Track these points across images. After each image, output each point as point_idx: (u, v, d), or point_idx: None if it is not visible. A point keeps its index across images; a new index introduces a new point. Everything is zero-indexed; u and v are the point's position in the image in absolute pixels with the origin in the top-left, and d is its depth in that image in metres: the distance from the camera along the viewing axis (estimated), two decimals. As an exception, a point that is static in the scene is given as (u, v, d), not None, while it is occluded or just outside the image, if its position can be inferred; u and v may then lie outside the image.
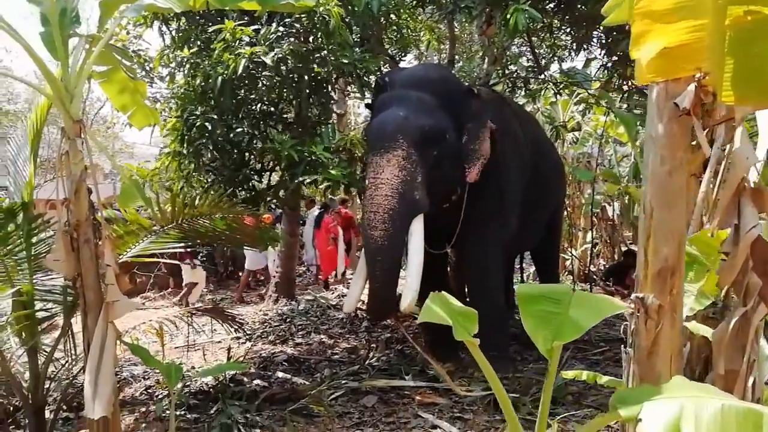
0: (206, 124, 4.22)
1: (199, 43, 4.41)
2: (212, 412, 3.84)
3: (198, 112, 4.28)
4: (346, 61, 4.14)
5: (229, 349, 4.77)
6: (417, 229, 4.13)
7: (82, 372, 4.33)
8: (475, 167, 4.34)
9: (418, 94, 4.25)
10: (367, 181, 4.06)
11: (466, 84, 4.48)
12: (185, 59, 4.34)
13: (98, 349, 2.69)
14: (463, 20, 6.23)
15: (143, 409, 4.07)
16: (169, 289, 8.99)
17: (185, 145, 4.36)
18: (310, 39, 4.16)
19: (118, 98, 3.68)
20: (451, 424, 3.69)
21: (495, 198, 4.69)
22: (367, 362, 4.86)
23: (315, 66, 4.18)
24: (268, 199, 4.26)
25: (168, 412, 3.01)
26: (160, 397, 4.43)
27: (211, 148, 4.34)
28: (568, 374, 3.21)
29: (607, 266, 8.44)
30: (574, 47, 6.79)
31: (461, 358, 4.99)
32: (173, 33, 4.81)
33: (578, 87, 7.13)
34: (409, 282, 4.09)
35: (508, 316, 5.34)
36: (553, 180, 5.83)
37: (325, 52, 4.13)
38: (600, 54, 6.68)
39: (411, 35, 6.22)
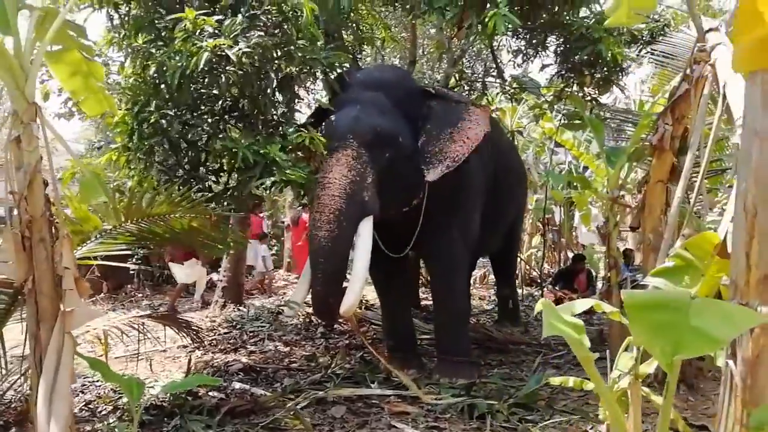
0: (161, 120, 3.88)
1: (154, 31, 4.05)
2: (169, 428, 3.51)
3: (152, 107, 3.93)
4: (314, 57, 3.91)
5: (189, 360, 4.42)
6: (365, 232, 4.03)
7: (11, 388, 3.93)
8: (435, 168, 4.23)
9: (372, 95, 4.16)
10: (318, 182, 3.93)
11: (423, 85, 4.40)
12: (137, 48, 3.97)
13: (54, 363, 2.36)
14: (433, 21, 6.15)
15: (88, 428, 3.67)
16: (102, 294, 8.38)
17: (136, 141, 3.99)
18: (277, 33, 3.91)
19: (69, 81, 3.31)
20: (428, 434, 3.55)
21: (457, 202, 4.63)
22: (329, 371, 4.64)
23: (281, 62, 3.93)
24: (226, 203, 3.96)
25: (129, 430, 2.69)
26: (103, 413, 4.04)
27: (166, 146, 3.99)
28: (556, 380, 3.16)
29: (556, 271, 8.60)
30: (530, 53, 6.87)
31: (423, 363, 4.89)
32: (123, 18, 4.41)
33: (531, 93, 7.21)
34: (351, 285, 3.98)
35: (468, 321, 5.28)
36: (515, 185, 5.84)
37: (293, 47, 3.89)
38: (555, 61, 6.77)
39: (367, 33, 6.05)
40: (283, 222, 11.87)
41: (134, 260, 8.46)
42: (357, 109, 4.04)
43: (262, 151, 3.52)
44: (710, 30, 3.59)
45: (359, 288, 4.02)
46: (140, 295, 8.75)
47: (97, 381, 4.70)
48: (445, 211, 4.56)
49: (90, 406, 4.19)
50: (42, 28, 2.65)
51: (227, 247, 4.11)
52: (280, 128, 4.01)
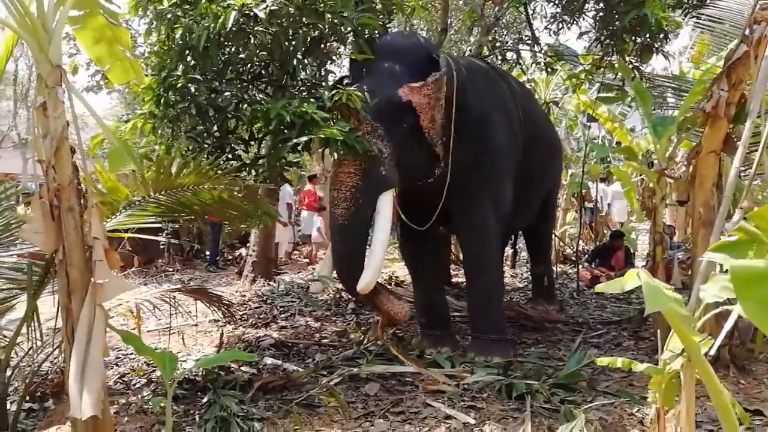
0: (189, 85, 3.76)
1: (180, -7, 3.91)
2: (203, 403, 3.47)
3: (179, 72, 3.81)
4: (344, 16, 3.74)
5: (222, 335, 4.37)
6: (384, 206, 3.93)
7: (48, 360, 3.93)
8: (449, 138, 4.12)
9: (387, 65, 4.03)
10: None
11: (429, 51, 4.22)
12: (164, 11, 3.84)
13: (85, 336, 2.29)
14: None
15: (122, 401, 3.65)
16: (134, 268, 8.44)
17: (162, 108, 3.89)
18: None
19: (93, 48, 3.21)
20: (465, 413, 3.43)
21: (485, 171, 4.44)
22: (362, 347, 4.54)
23: (311, 21, 3.76)
24: (260, 171, 3.84)
25: (164, 405, 2.62)
26: (137, 386, 4.03)
27: (194, 112, 3.88)
28: (603, 361, 2.98)
29: (592, 248, 8.35)
30: (566, 20, 6.57)
31: (457, 342, 4.76)
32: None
33: (568, 62, 6.92)
34: (370, 261, 3.90)
35: (503, 297, 5.13)
36: (548, 158, 5.61)
37: (322, 5, 3.72)
38: (593, 27, 6.46)
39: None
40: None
41: (164, 234, 8.49)
42: (371, 81, 3.93)
43: (298, 111, 3.38)
44: (775, -14, 3.31)
45: (378, 264, 3.96)
46: (171, 269, 8.79)
47: (131, 354, 4.70)
48: (473, 181, 4.40)
49: (124, 378, 4.19)
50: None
51: (259, 220, 4.00)
52: (313, 90, 3.86)
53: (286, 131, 3.62)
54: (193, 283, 7.78)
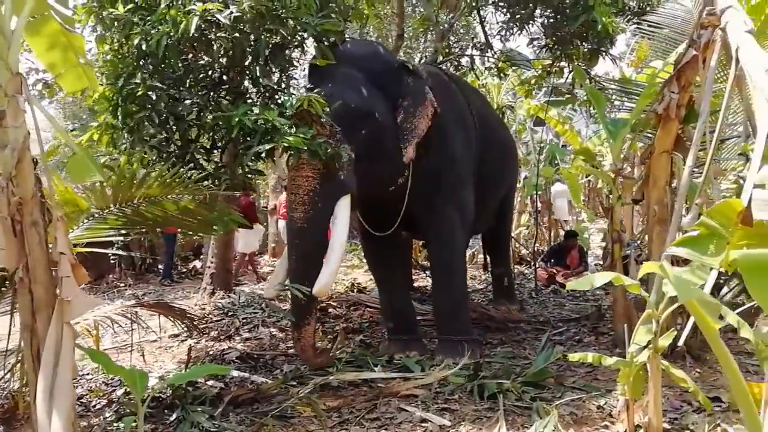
0: (149, 93, 3.66)
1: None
2: (171, 420, 3.35)
3: (137, 80, 3.70)
4: (306, 22, 3.72)
5: (190, 350, 4.23)
6: (342, 211, 3.92)
7: (3, 381, 3.72)
8: (409, 145, 4.13)
9: (346, 71, 4.04)
10: None
11: (400, 59, 4.27)
12: (118, 17, 3.72)
13: (53, 356, 2.18)
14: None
15: (83, 424, 3.48)
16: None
17: (121, 118, 3.76)
18: (272, -1, 3.70)
19: (46, 55, 3.10)
20: (440, 416, 3.45)
21: (447, 179, 4.52)
22: (330, 354, 4.50)
23: (274, 27, 3.73)
24: (224, 179, 3.77)
25: (136, 424, 2.52)
26: (98, 407, 3.86)
27: (155, 121, 3.77)
28: (574, 357, 3.07)
29: (547, 248, 8.56)
30: (517, 26, 6.73)
31: (425, 345, 4.79)
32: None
33: (521, 67, 7.09)
34: (328, 262, 3.87)
35: (468, 299, 5.20)
36: (503, 161, 5.73)
37: (284, 11, 3.69)
38: (543, 34, 6.65)
39: (353, 6, 5.82)
40: (265, 207, 11.62)
41: (115, 247, 8.15)
42: (331, 86, 3.92)
43: (259, 119, 3.33)
44: (719, -7, 3.49)
45: (335, 267, 3.92)
46: (122, 284, 8.49)
47: (88, 374, 4.51)
48: (436, 189, 4.47)
49: (82, 400, 3.99)
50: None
51: (225, 226, 3.91)
52: (276, 96, 3.81)
53: (248, 139, 3.57)
54: (148, 298, 7.53)
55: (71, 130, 7.89)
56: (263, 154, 3.71)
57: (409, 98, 4.19)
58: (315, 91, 3.86)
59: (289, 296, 4.06)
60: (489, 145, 5.11)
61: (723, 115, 3.18)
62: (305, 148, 3.50)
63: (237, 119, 3.40)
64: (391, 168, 4.22)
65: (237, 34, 3.45)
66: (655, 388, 2.85)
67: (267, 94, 4.03)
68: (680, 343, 3.26)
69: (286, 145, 3.47)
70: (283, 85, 4.04)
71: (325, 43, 3.97)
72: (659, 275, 2.87)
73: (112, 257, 8.42)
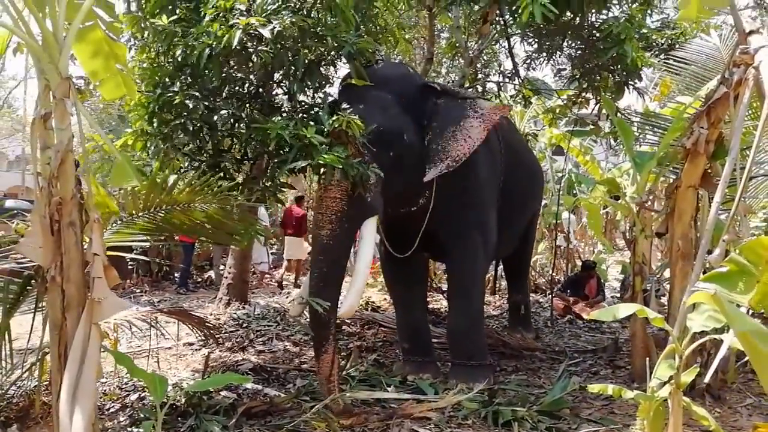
0: (186, 102, 3.73)
1: (177, 11, 3.90)
2: (184, 428, 3.36)
3: (175, 89, 3.78)
4: (345, 40, 3.78)
5: (207, 358, 4.24)
6: (368, 232, 3.97)
7: (15, 383, 3.76)
8: (436, 167, 4.12)
9: (376, 93, 4.06)
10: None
11: (430, 81, 4.30)
12: (162, 28, 3.81)
13: (79, 356, 2.21)
14: (450, 22, 6.02)
15: (98, 426, 3.49)
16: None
17: (156, 125, 3.84)
18: (310, 13, 3.78)
19: (89, 62, 3.17)
20: (453, 440, 3.42)
21: (470, 201, 4.52)
22: (343, 372, 4.49)
23: (314, 43, 3.79)
24: (255, 189, 3.81)
25: (155, 429, 2.53)
26: (111, 411, 3.87)
27: (190, 129, 3.83)
28: (594, 388, 3.03)
29: (565, 278, 8.50)
30: (544, 56, 6.78)
31: (439, 368, 4.76)
32: (142, -3, 4.23)
33: (546, 96, 7.13)
34: (354, 284, 3.93)
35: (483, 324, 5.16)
36: (529, 186, 5.73)
37: (323, 28, 3.76)
38: (570, 65, 6.69)
39: (384, 29, 5.91)
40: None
41: (134, 254, 8.24)
42: (360, 108, 3.92)
43: (298, 133, 3.38)
44: (752, 32, 3.50)
45: (360, 288, 4.00)
46: (139, 291, 8.55)
47: (102, 378, 4.53)
48: (459, 211, 4.47)
49: (97, 403, 4.01)
50: (73, 3, 2.50)
51: (248, 237, 3.96)
52: (311, 112, 3.87)
53: (281, 152, 3.62)
54: (163, 305, 7.57)
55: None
56: (296, 169, 3.74)
57: (439, 120, 4.22)
58: (348, 110, 3.91)
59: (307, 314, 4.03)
60: (514, 169, 5.11)
61: (754, 153, 3.17)
62: (340, 167, 3.53)
63: (276, 132, 3.46)
64: (414, 189, 4.24)
65: (278, 49, 3.51)
66: (676, 424, 2.80)
67: (302, 110, 4.08)
68: (706, 380, 3.20)
69: (321, 162, 3.51)
70: (319, 101, 4.09)
71: (360, 63, 4.02)
72: (683, 310, 2.87)
73: (129, 263, 8.51)
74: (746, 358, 4.60)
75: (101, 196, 3.18)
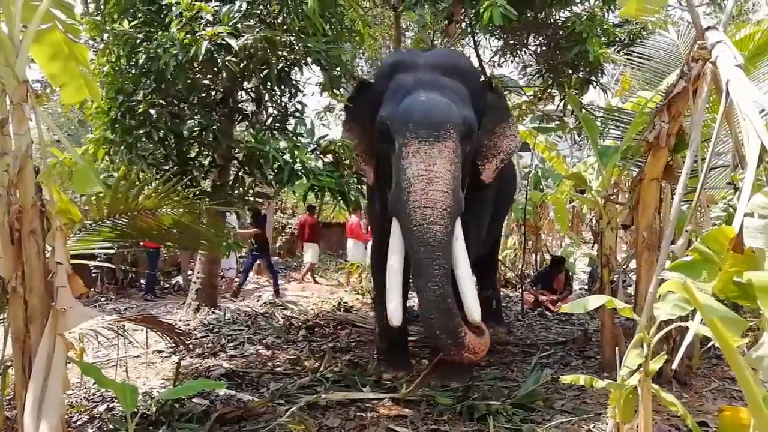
0: (150, 110, 3.66)
1: (139, 14, 3.81)
2: (157, 437, 3.29)
3: (139, 96, 3.70)
4: (316, 49, 3.73)
5: (178, 364, 4.16)
6: (460, 232, 3.75)
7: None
8: (490, 164, 4.10)
9: (453, 82, 3.90)
10: (409, 171, 3.56)
11: (488, 75, 4.27)
12: (122, 33, 3.72)
13: (43, 367, 2.14)
14: (415, 19, 6.04)
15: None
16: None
17: (119, 134, 3.76)
18: (278, 22, 3.74)
19: (48, 65, 3.06)
20: (430, 437, 3.43)
21: (474, 199, 4.47)
22: (318, 374, 4.46)
23: (284, 52, 3.75)
24: (227, 193, 3.76)
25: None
26: (79, 423, 3.77)
27: (155, 138, 3.76)
28: (567, 379, 3.08)
29: (534, 272, 8.61)
30: (510, 54, 6.86)
31: (413, 366, 4.76)
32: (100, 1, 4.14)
33: (514, 93, 7.21)
34: (469, 290, 3.71)
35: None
36: (507, 184, 5.77)
37: (293, 37, 3.72)
38: (535, 61, 6.79)
39: (350, 28, 5.88)
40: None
41: (98, 261, 8.03)
42: (444, 95, 3.72)
43: (288, 157, 3.36)
44: (709, 28, 3.60)
45: (475, 291, 3.81)
46: (104, 298, 8.34)
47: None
48: (469, 209, 4.41)
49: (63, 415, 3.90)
50: (29, 4, 2.42)
51: (227, 250, 3.91)
52: (283, 122, 3.83)
53: (279, 173, 3.59)
54: (130, 313, 7.39)
55: (56, 141, 7.81)
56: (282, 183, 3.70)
57: (491, 114, 4.18)
58: (420, 97, 3.68)
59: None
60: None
61: (713, 145, 3.26)
62: (336, 189, 3.53)
63: (270, 154, 3.42)
64: (463, 185, 4.02)
65: (247, 58, 3.47)
66: (646, 411, 2.87)
67: (275, 118, 4.04)
68: (673, 366, 3.28)
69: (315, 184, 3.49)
70: (293, 110, 4.05)
71: (333, 70, 3.93)
72: (650, 299, 2.94)
73: (93, 271, 8.29)
74: (710, 344, 4.74)
75: (64, 202, 3.09)
